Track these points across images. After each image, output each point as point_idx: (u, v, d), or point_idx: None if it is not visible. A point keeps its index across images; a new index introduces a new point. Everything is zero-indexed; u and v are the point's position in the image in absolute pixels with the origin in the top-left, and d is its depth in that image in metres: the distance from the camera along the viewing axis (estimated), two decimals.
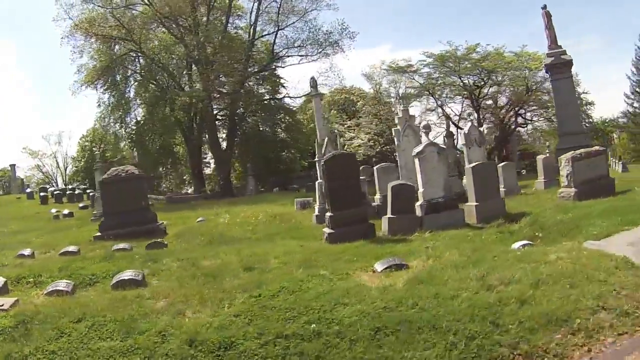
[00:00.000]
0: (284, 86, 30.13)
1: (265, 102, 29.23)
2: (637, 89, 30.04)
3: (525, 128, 27.81)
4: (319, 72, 27.47)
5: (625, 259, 5.01)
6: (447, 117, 23.25)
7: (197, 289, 5.14)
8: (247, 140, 29.54)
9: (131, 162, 31.16)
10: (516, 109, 25.18)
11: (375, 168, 12.65)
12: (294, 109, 30.22)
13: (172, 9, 24.99)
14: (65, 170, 41.07)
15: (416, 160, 8.99)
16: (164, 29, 26.77)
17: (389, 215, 8.72)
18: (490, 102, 26.84)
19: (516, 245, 6.56)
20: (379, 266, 5.76)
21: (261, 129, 29.77)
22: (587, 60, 69.48)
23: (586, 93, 32.02)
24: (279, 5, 25.55)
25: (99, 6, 24.87)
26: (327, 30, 25.78)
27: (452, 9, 77.24)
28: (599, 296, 4.20)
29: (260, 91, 29.89)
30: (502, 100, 26.50)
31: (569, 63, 19.60)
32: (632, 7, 62.30)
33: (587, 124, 32.78)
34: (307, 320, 4.03)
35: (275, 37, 26.53)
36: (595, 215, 7.86)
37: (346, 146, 28.13)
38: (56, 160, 41.14)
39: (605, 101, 74.76)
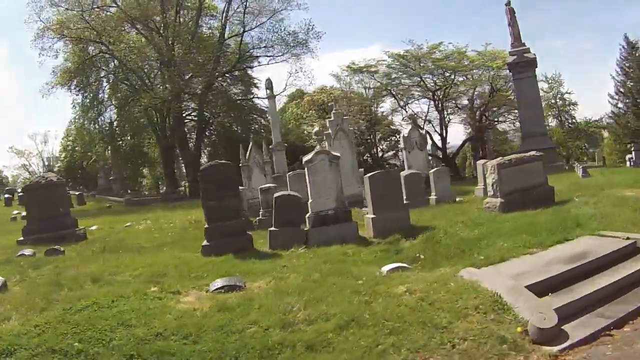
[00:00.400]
0: (256, 87, 29.79)
1: (238, 102, 28.90)
2: (621, 89, 28.99)
3: (491, 129, 26.92)
4: (289, 73, 27.15)
5: (495, 297, 4.25)
6: (411, 118, 22.49)
7: (37, 297, 5.05)
8: (219, 141, 29.26)
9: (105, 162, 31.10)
10: (482, 109, 24.36)
11: (287, 175, 12.12)
12: (266, 109, 29.80)
13: (141, 8, 24.81)
14: (52, 170, 41.20)
15: (305, 170, 8.48)
16: (135, 30, 26.56)
17: (272, 227, 8.25)
18: (466, 102, 26.13)
19: (387, 268, 5.98)
20: (214, 285, 5.41)
21: (235, 129, 29.42)
22: (581, 61, 67.76)
23: (569, 93, 31.24)
24: (244, 6, 25.25)
25: (66, 8, 24.73)
26: (292, 31, 25.47)
27: (449, 7, 75.97)
28: (421, 349, 3.53)
29: (233, 92, 29.59)
30: (477, 100, 25.66)
31: (533, 62, 18.79)
32: (625, 7, 60.53)
33: (570, 125, 31.90)
34: (79, 339, 3.87)
35: (242, 37, 26.17)
36: (503, 233, 6.99)
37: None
38: (42, 160, 41.34)
39: (601, 101, 72.81)
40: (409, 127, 14.62)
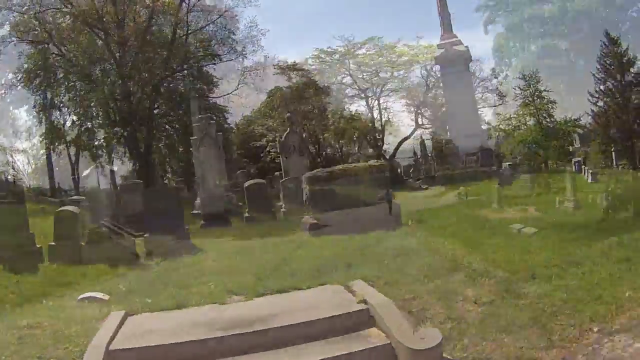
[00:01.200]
0: (215, 85, 29.47)
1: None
2: (601, 87, 26.65)
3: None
4: (241, 72, 26.85)
5: (79, 355, 3.75)
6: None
7: None
8: (179, 141, 29.21)
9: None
10: (415, 108, 22.86)
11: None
12: (223, 107, 29.49)
13: (95, 8, 24.96)
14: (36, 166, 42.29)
15: None
16: (91, 31, 26.75)
17: (52, 242, 8.01)
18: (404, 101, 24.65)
19: (83, 296, 5.59)
20: None
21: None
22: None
23: (547, 90, 29.10)
24: (188, 4, 25.01)
25: (19, 12, 25.18)
26: (231, 30, 25.08)
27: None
28: None
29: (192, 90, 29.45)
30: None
31: (464, 55, 17.42)
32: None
33: (549, 124, 29.84)
34: None
35: (187, 36, 25.94)
36: (240, 268, 6.26)
37: (268, 147, 27.13)
38: (27, 157, 42.34)
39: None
40: (287, 130, 13.76)
